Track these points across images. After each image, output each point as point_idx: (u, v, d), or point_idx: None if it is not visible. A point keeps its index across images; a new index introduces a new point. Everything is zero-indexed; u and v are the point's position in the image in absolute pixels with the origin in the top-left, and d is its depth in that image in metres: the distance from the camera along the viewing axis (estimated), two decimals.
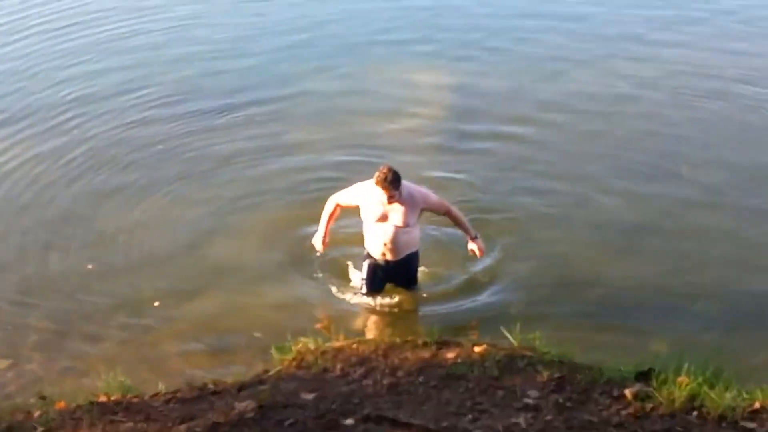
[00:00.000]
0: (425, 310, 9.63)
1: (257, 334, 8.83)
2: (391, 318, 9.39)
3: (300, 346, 7.14)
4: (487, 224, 10.76)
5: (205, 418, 5.71)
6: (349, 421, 5.54)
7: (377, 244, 8.97)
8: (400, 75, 15.45)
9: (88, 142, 13.40)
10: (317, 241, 9.38)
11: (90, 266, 10.71)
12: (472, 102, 14.58)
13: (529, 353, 6.43)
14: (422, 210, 8.95)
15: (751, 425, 5.21)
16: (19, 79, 15.70)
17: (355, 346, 6.92)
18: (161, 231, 11.37)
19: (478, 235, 9.23)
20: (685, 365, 5.81)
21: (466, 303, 9.76)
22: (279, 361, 7.04)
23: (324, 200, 9.40)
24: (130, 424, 5.64)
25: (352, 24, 18.15)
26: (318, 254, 9.66)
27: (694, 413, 5.32)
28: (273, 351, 7.53)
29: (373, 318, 9.18)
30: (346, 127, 13.63)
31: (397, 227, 8.81)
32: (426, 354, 6.61)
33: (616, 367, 6.06)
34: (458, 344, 6.78)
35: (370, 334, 7.18)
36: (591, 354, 7.18)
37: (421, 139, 13.32)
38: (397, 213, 8.77)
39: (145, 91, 14.97)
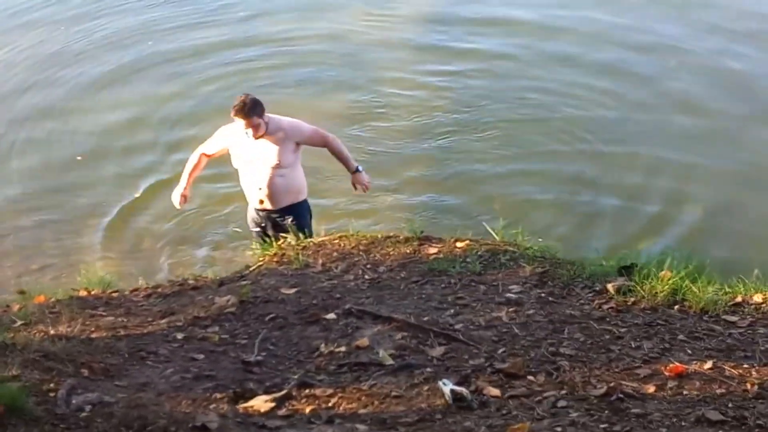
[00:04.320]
0: (407, 206, 9.62)
1: (237, 229, 8.77)
2: (372, 214, 9.38)
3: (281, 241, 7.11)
4: (470, 124, 10.78)
5: (186, 312, 5.71)
6: (330, 316, 5.53)
7: (252, 191, 7.76)
8: None
9: None
10: (175, 196, 7.92)
11: (79, 158, 10.65)
12: None
13: (511, 248, 6.40)
14: (298, 144, 7.63)
15: (733, 318, 5.20)
16: None
17: (336, 241, 6.88)
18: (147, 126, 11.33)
19: (361, 168, 7.97)
20: (668, 260, 5.80)
21: (448, 199, 9.78)
22: (260, 257, 7.01)
23: None
24: (111, 318, 5.62)
25: None
26: (178, 209, 8.33)
27: (676, 307, 5.31)
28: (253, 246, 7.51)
29: (355, 214, 9.13)
30: None
31: (270, 168, 7.54)
32: (408, 249, 6.58)
33: (598, 262, 6.05)
34: (440, 240, 6.75)
35: (351, 230, 7.07)
36: (573, 250, 7.22)
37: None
38: (267, 151, 7.51)
39: None
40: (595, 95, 11.69)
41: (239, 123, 7.36)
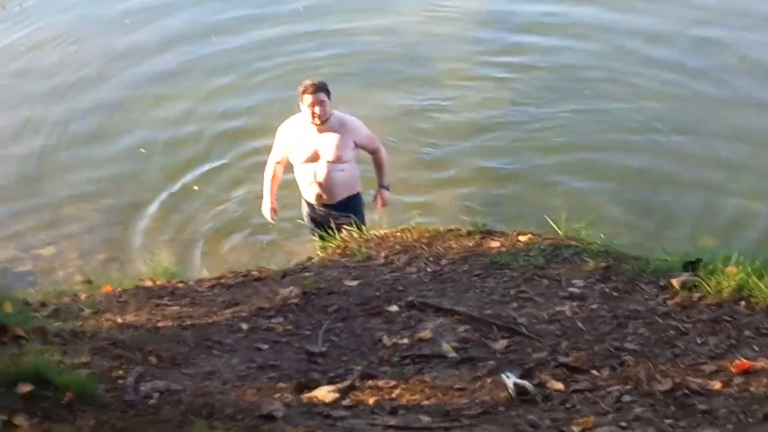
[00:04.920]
0: (468, 199, 9.62)
1: (300, 221, 8.87)
2: (434, 207, 9.38)
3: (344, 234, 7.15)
4: (533, 116, 10.73)
5: (250, 303, 5.76)
6: (393, 308, 5.55)
7: (310, 185, 7.80)
8: None
9: None
10: (266, 211, 8.12)
11: (143, 150, 10.80)
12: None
13: (574, 243, 6.35)
14: (355, 144, 7.72)
15: None
16: None
17: (398, 234, 6.89)
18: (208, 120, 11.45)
19: (390, 188, 8.19)
20: (734, 256, 5.71)
21: (511, 192, 9.76)
22: (323, 250, 7.06)
23: None
24: (176, 308, 5.69)
25: None
26: (271, 225, 8.61)
27: (742, 303, 5.22)
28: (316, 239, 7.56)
29: (417, 207, 9.14)
30: None
31: (329, 163, 7.63)
32: (470, 243, 6.56)
33: (662, 257, 5.97)
34: (502, 234, 6.72)
35: (413, 223, 7.10)
36: (637, 245, 7.15)
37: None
38: (328, 146, 7.59)
39: None
40: (666, 88, 11.57)
41: (305, 101, 7.41)
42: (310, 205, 8.01)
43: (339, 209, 7.84)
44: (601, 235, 6.60)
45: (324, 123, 7.49)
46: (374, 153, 8.01)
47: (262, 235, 9.45)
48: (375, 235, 7.02)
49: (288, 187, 8.42)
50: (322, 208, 7.92)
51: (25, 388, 3.99)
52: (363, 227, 7.39)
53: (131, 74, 12.66)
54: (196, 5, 14.63)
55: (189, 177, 10.44)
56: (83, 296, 5.99)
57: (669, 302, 5.33)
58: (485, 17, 13.70)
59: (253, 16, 14.05)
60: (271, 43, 13.21)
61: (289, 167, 8.06)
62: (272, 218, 8.17)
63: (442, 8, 13.91)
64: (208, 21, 14.00)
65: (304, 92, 7.41)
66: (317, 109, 7.40)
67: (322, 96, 7.41)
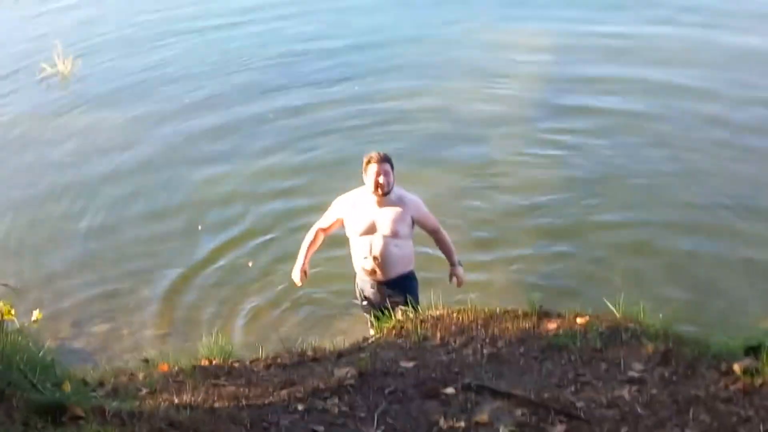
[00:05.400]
0: (524, 280, 9.57)
1: (355, 301, 8.87)
2: (489, 288, 9.34)
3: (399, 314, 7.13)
4: (585, 203, 10.75)
5: (306, 383, 5.74)
6: (449, 390, 5.52)
7: (365, 259, 7.74)
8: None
9: None
10: (296, 274, 8.06)
11: (200, 227, 10.94)
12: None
13: (632, 325, 6.27)
14: (413, 221, 7.71)
15: None
16: None
17: (454, 315, 6.84)
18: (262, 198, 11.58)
19: (461, 263, 8.10)
20: None
21: (566, 271, 9.71)
22: (378, 330, 7.04)
23: None
24: (233, 388, 5.70)
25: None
26: (299, 286, 8.35)
27: None
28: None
29: (472, 287, 9.10)
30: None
31: (385, 237, 7.60)
32: (526, 324, 6.50)
33: (723, 341, 5.88)
34: (559, 315, 6.64)
35: (469, 304, 7.07)
36: (697, 328, 7.06)
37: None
38: (385, 220, 7.58)
39: None
40: (734, 165, 11.58)
41: (370, 171, 7.49)
42: (363, 281, 7.99)
43: (393, 287, 7.79)
44: (660, 315, 6.52)
45: (386, 195, 7.55)
46: (434, 232, 7.95)
47: (312, 309, 9.53)
48: (430, 315, 7.00)
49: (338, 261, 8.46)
50: (373, 284, 7.87)
51: None
52: (418, 307, 7.38)
53: (187, 153, 12.89)
54: (249, 66, 14.97)
55: (239, 252, 10.53)
56: (140, 375, 6.02)
57: (731, 387, 5.25)
58: (537, 96, 13.79)
59: (311, 94, 14.29)
60: (326, 120, 13.41)
61: (331, 240, 8.20)
62: (301, 281, 8.11)
63: (496, 87, 14.03)
64: (266, 97, 14.26)
65: (369, 162, 7.50)
66: (381, 179, 7.47)
67: (387, 167, 7.50)
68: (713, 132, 12.19)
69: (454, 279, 8.07)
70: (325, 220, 8.02)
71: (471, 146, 12.45)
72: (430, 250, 8.52)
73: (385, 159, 7.52)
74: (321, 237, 8.10)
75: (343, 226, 7.90)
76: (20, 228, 11.36)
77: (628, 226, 10.44)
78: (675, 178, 11.31)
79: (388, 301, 7.61)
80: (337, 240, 8.41)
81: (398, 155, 11.39)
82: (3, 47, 17.25)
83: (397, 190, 7.67)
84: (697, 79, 13.76)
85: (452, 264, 8.05)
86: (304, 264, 8.04)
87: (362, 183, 7.65)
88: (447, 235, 8.03)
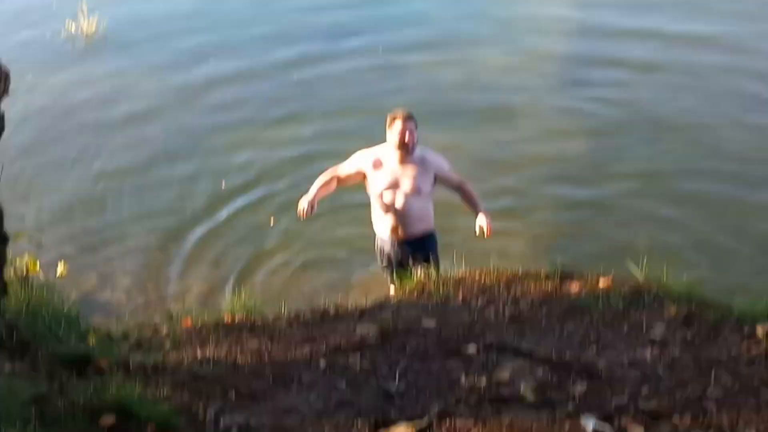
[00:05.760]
0: (547, 242, 9.56)
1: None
2: (512, 249, 9.33)
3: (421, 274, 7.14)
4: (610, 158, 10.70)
5: (328, 340, 5.77)
6: (470, 349, 5.52)
7: (386, 215, 7.74)
8: None
9: None
10: (303, 202, 7.64)
11: (223, 185, 10.97)
12: None
13: (655, 288, 6.26)
14: (435, 178, 7.67)
15: None
16: None
17: (476, 276, 6.85)
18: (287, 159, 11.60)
19: (488, 211, 7.80)
20: None
21: (590, 234, 9.69)
22: (400, 289, 7.06)
23: None
24: (255, 343, 5.73)
25: None
26: (300, 219, 7.86)
27: None
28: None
29: (494, 249, 9.09)
30: None
31: (407, 194, 7.59)
32: (548, 286, 6.49)
33: (747, 304, 5.86)
34: (582, 277, 6.63)
35: (491, 265, 7.05)
36: (721, 291, 7.02)
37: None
38: (408, 177, 7.57)
39: None
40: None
41: (395, 128, 7.48)
42: (384, 241, 7.98)
43: (414, 246, 7.78)
44: (684, 279, 6.50)
45: (409, 152, 7.55)
46: (460, 186, 7.83)
47: (334, 267, 9.62)
48: (452, 276, 7.00)
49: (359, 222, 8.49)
50: (395, 243, 7.85)
51: (108, 420, 4.06)
52: (439, 266, 7.36)
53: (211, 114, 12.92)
54: (280, 43, 14.90)
55: (262, 210, 10.55)
56: (164, 329, 6.07)
57: (753, 351, 5.24)
58: (562, 60, 13.73)
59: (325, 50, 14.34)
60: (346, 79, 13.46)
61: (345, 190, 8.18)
62: (306, 214, 7.64)
63: (522, 51, 13.98)
64: (287, 55, 14.26)
65: (394, 119, 7.51)
66: (407, 137, 7.48)
67: (412, 125, 7.51)
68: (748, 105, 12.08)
69: (481, 227, 7.69)
70: (343, 169, 7.89)
71: (490, 100, 12.51)
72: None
73: (410, 117, 7.51)
74: (334, 183, 7.91)
75: (361, 179, 7.84)
76: (44, 181, 11.36)
77: (652, 192, 10.36)
78: (700, 147, 11.22)
79: (410, 260, 7.61)
80: (358, 200, 8.43)
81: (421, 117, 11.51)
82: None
83: (420, 149, 7.66)
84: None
85: (478, 211, 7.74)
86: (313, 199, 7.69)
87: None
88: (472, 187, 7.89)
